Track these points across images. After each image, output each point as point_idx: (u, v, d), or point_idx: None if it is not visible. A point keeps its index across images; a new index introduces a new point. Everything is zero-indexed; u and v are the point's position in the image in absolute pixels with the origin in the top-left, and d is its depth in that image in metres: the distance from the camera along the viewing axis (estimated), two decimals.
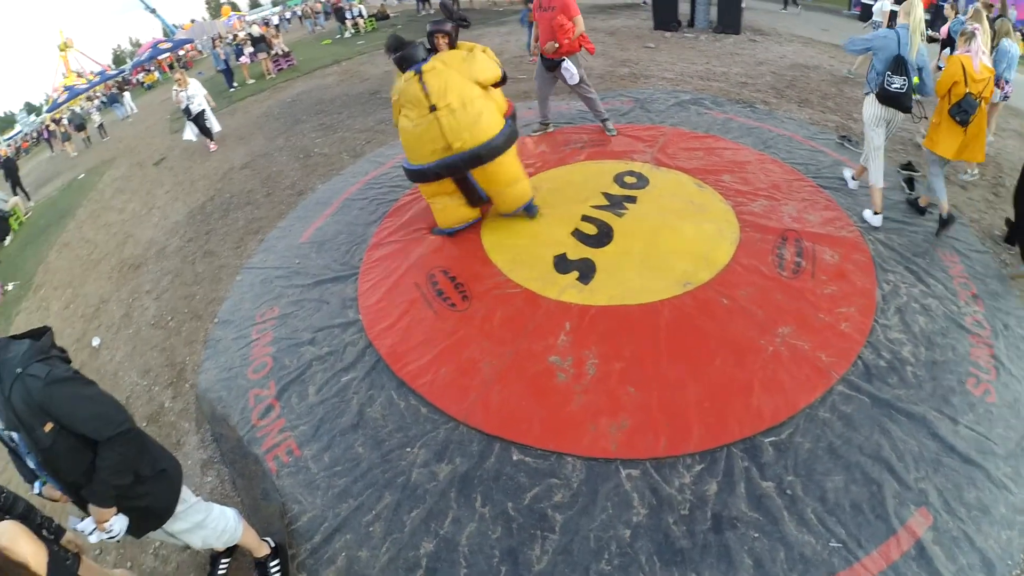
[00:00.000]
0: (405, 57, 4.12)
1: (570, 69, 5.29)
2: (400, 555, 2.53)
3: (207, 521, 2.28)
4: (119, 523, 1.91)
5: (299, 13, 30.64)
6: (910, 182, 4.72)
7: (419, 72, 3.99)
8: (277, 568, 2.59)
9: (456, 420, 3.09)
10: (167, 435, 3.42)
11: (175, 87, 9.29)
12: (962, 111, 3.84)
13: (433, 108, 3.93)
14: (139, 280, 5.40)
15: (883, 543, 2.41)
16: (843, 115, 5.88)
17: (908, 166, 4.86)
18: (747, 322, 3.46)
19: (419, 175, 4.24)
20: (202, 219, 6.30)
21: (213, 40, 19.95)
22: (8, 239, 10.74)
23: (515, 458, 2.88)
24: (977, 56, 3.85)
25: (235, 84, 14.90)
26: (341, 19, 20.44)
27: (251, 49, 15.60)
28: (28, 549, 1.70)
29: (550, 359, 3.35)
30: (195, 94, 9.00)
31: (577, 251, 4.14)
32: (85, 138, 18.84)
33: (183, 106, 9.08)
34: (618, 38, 10.66)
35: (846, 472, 2.68)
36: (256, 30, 16.73)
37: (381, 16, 20.54)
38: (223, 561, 2.64)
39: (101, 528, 1.88)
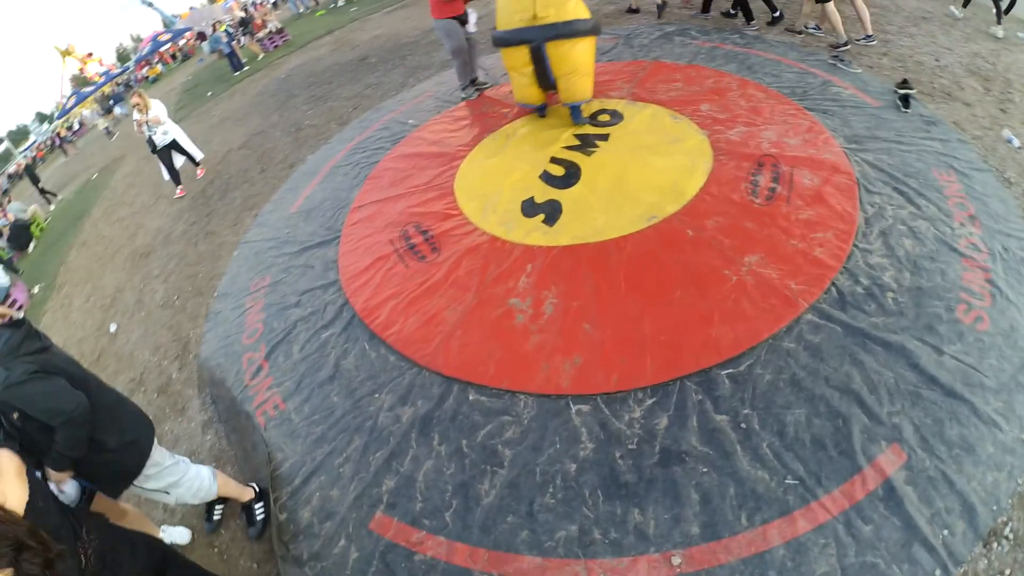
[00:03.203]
0: None
1: (473, 14, 5.17)
2: (365, 492, 2.54)
3: (181, 482, 2.35)
4: (70, 487, 1.99)
5: None
6: (905, 100, 4.17)
7: None
8: (262, 509, 2.66)
9: (420, 365, 3.02)
10: (174, 403, 3.52)
11: (135, 113, 6.81)
12: None
13: None
14: (149, 267, 5.47)
15: (846, 481, 2.13)
16: (838, 35, 5.20)
17: (904, 84, 4.29)
18: (712, 252, 3.16)
19: (502, 40, 4.34)
20: (203, 202, 6.28)
21: (214, 25, 19.20)
22: (31, 246, 10.86)
23: (471, 398, 2.80)
24: None
25: (245, 66, 13.99)
26: None
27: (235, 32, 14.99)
28: (8, 487, 1.61)
29: (510, 301, 3.20)
30: (159, 120, 6.61)
31: (544, 193, 3.89)
32: (108, 128, 19.48)
33: (146, 136, 6.76)
34: None
35: (809, 405, 2.39)
36: (237, 14, 15.99)
37: None
38: (217, 507, 2.74)
39: (59, 488, 1.94)
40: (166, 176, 7.22)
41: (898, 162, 3.64)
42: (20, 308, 7.08)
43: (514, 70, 4.51)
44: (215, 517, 2.72)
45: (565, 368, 2.78)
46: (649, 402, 2.57)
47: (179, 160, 7.07)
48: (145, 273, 5.35)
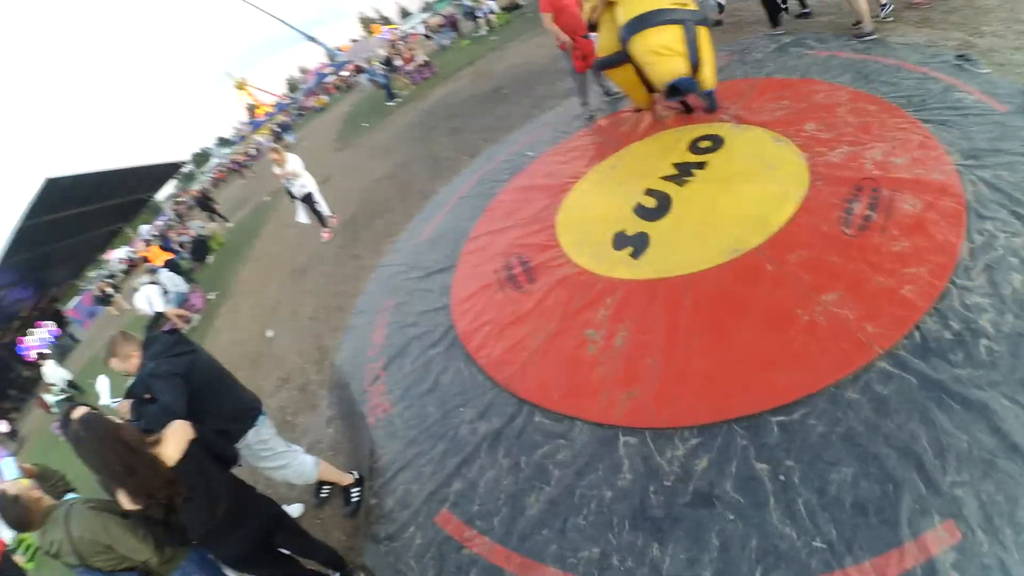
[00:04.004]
0: None
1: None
2: (437, 490, 3.05)
3: (289, 465, 3.11)
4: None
5: (424, 31, 28.85)
6: None
7: None
8: (358, 494, 3.36)
9: (500, 386, 3.45)
10: (309, 400, 4.48)
11: (274, 167, 7.55)
12: None
13: None
14: (304, 283, 6.64)
15: (881, 554, 1.96)
16: (968, 30, 4.42)
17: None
18: (788, 289, 3.05)
19: (652, 19, 4.41)
20: (352, 228, 7.36)
21: (368, 60, 21.01)
22: (210, 258, 12.89)
23: (536, 420, 3.14)
24: None
25: (397, 97, 15.57)
26: (473, 18, 20.21)
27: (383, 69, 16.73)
28: (168, 448, 2.23)
29: (586, 332, 3.45)
30: (295, 173, 7.29)
31: (635, 226, 4.03)
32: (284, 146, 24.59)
33: (284, 187, 7.52)
34: None
35: (859, 464, 2.22)
36: (381, 54, 17.55)
37: (511, 7, 19.32)
38: (325, 487, 3.49)
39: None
40: (304, 220, 7.86)
41: (1021, 179, 3.06)
42: (197, 311, 9.04)
43: (662, 49, 4.40)
44: (323, 495, 3.49)
45: (621, 400, 2.97)
46: (694, 441, 2.63)
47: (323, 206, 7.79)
48: (300, 288, 6.63)
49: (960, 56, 4.24)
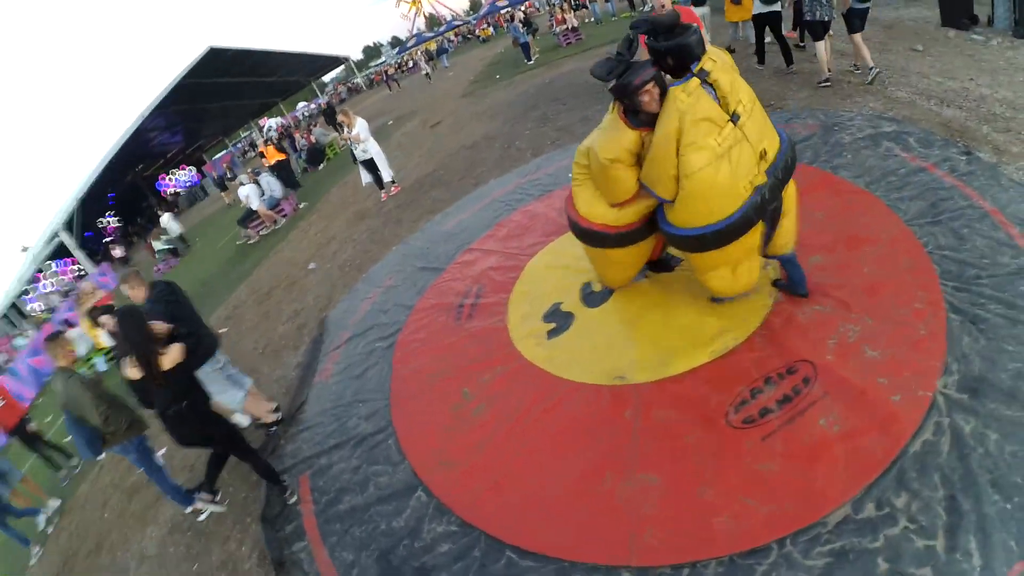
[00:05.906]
0: (683, 49, 2.76)
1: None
2: (312, 456, 3.99)
3: (221, 392, 4.17)
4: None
5: None
6: None
7: (702, 76, 2.75)
8: (276, 431, 4.45)
9: (388, 400, 4.17)
10: (296, 341, 5.52)
11: (344, 130, 7.89)
12: None
13: (735, 117, 2.75)
14: (356, 228, 7.22)
15: None
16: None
17: None
18: (617, 450, 2.98)
19: (735, 229, 2.89)
20: (417, 188, 7.62)
21: (512, 15, 20.65)
22: (322, 165, 14.00)
23: (389, 443, 3.82)
24: None
25: (533, 58, 15.96)
26: None
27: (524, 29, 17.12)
28: (166, 358, 3.33)
29: (463, 390, 3.89)
30: (359, 138, 7.51)
31: (571, 304, 4.15)
32: (428, 73, 26.47)
33: (349, 148, 7.68)
34: (891, 34, 7.27)
35: None
36: (520, 15, 17.88)
37: None
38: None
39: None
40: (365, 181, 8.25)
41: (1015, 461, 2.12)
42: (285, 216, 10.28)
43: (741, 264, 3.22)
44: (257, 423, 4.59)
45: (439, 465, 3.46)
46: (454, 528, 3.06)
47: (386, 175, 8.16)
48: (351, 233, 7.33)
49: None
